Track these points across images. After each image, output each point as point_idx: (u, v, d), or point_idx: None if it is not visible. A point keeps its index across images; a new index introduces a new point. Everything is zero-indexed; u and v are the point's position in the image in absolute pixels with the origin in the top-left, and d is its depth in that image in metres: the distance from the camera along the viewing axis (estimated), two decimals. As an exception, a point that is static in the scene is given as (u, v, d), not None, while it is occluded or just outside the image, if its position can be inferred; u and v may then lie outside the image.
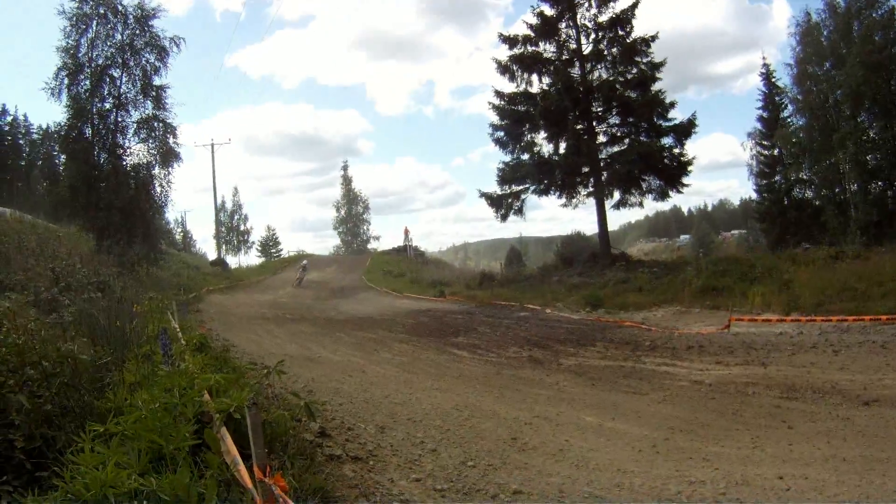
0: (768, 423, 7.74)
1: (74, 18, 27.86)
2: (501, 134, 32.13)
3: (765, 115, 44.96)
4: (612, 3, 30.05)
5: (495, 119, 32.15)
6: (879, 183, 35.34)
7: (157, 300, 16.69)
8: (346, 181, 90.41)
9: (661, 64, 30.00)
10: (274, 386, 8.09)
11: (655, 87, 29.99)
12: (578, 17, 30.54)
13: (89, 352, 6.61)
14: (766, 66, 46.44)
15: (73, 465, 4.01)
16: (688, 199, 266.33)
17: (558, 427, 7.92)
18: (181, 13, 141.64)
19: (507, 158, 32.49)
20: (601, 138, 31.33)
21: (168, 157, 29.84)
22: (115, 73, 28.89)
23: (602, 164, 30.75)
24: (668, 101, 29.89)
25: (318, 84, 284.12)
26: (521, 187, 32.04)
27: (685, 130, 29.75)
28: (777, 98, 44.64)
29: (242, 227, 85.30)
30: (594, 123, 30.94)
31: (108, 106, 28.92)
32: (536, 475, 6.20)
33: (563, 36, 30.91)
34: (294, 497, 4.53)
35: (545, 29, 30.64)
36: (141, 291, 19.15)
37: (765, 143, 44.40)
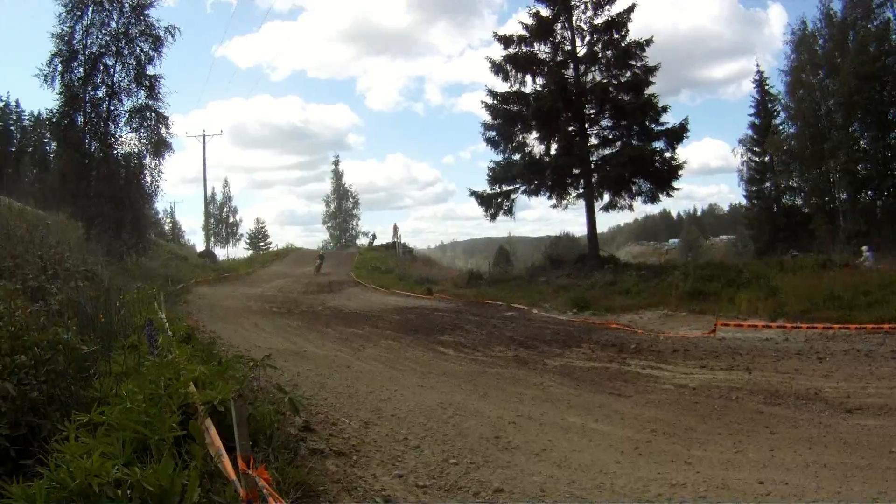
0: (751, 429, 7.77)
1: (70, 5, 27.90)
2: (493, 133, 32.04)
3: (757, 121, 45.23)
4: (607, 6, 30.00)
5: (487, 118, 32.09)
6: (869, 193, 35.68)
7: (144, 290, 16.62)
8: (337, 176, 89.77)
9: (655, 68, 29.97)
10: (259, 379, 8.11)
11: (648, 90, 29.99)
12: (574, 18, 30.49)
13: (76, 340, 6.59)
14: (759, 72, 46.68)
15: (58, 454, 4.03)
16: (677, 203, 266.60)
17: (542, 427, 7.94)
18: (172, 2, 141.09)
19: (499, 158, 32.53)
20: (593, 140, 31.32)
21: (159, 147, 29.88)
22: (109, 61, 28.91)
23: (593, 166, 30.70)
24: (660, 105, 29.93)
25: (308, 77, 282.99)
26: (511, 187, 32.02)
27: (677, 135, 29.81)
28: (769, 105, 44.93)
29: (231, 220, 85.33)
30: (586, 125, 30.93)
31: (100, 94, 28.91)
32: (518, 474, 6.23)
33: (558, 37, 30.87)
34: (276, 490, 4.55)
35: (540, 30, 30.60)
36: (129, 281, 19.06)
37: (756, 149, 44.66)
